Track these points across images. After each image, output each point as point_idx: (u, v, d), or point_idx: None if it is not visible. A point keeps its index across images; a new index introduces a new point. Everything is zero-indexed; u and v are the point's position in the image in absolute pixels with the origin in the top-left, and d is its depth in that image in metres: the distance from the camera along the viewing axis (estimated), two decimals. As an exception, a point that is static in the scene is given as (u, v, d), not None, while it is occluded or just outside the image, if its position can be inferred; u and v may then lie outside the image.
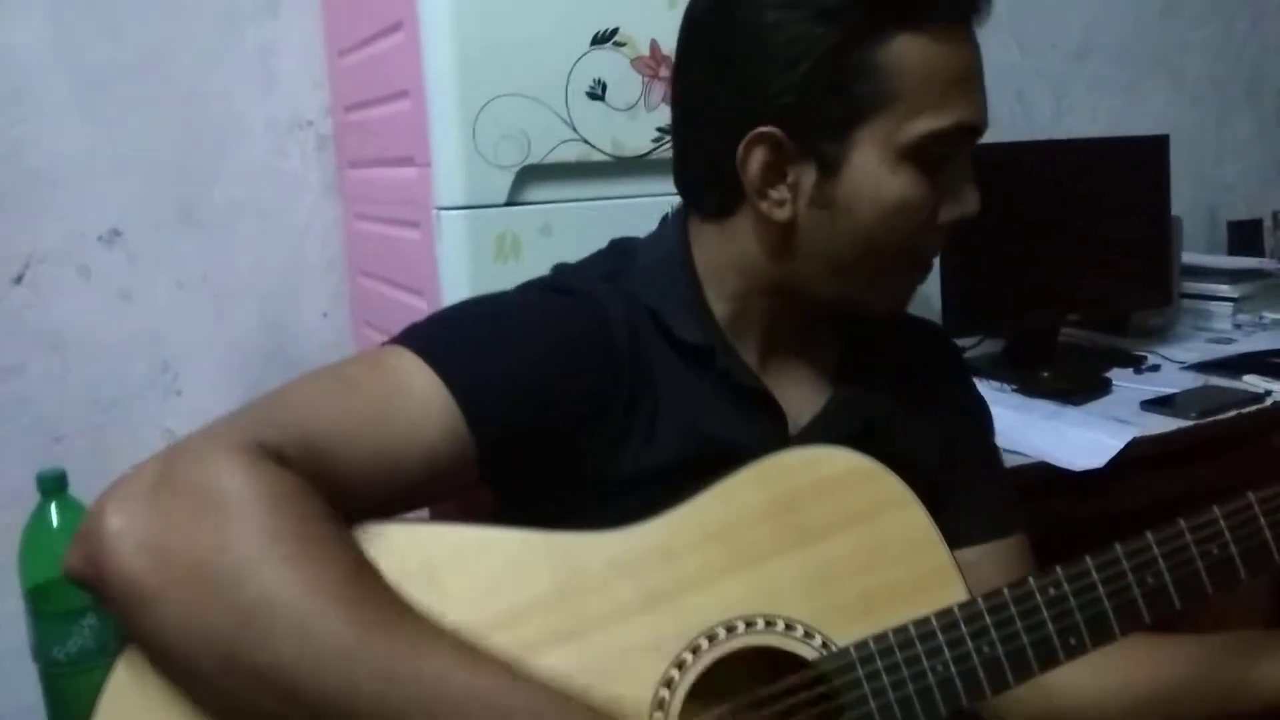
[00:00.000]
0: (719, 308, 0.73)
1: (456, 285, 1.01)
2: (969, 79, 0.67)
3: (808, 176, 0.67)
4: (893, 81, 0.64)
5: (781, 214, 0.68)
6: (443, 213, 1.00)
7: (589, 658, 0.60)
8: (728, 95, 0.68)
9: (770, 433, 0.72)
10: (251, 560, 0.53)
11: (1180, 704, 0.72)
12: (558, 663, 0.58)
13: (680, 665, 0.63)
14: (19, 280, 1.22)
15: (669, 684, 0.63)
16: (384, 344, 0.66)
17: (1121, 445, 1.21)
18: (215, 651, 0.53)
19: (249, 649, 0.52)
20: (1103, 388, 1.43)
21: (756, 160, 0.67)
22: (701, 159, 0.72)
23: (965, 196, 0.70)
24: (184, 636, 0.53)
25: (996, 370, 1.49)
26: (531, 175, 1.02)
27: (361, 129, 1.24)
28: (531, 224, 1.02)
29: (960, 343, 1.59)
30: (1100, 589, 0.65)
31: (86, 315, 1.26)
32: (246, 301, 1.35)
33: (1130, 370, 1.53)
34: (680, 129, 0.74)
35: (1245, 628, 1.38)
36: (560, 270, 0.76)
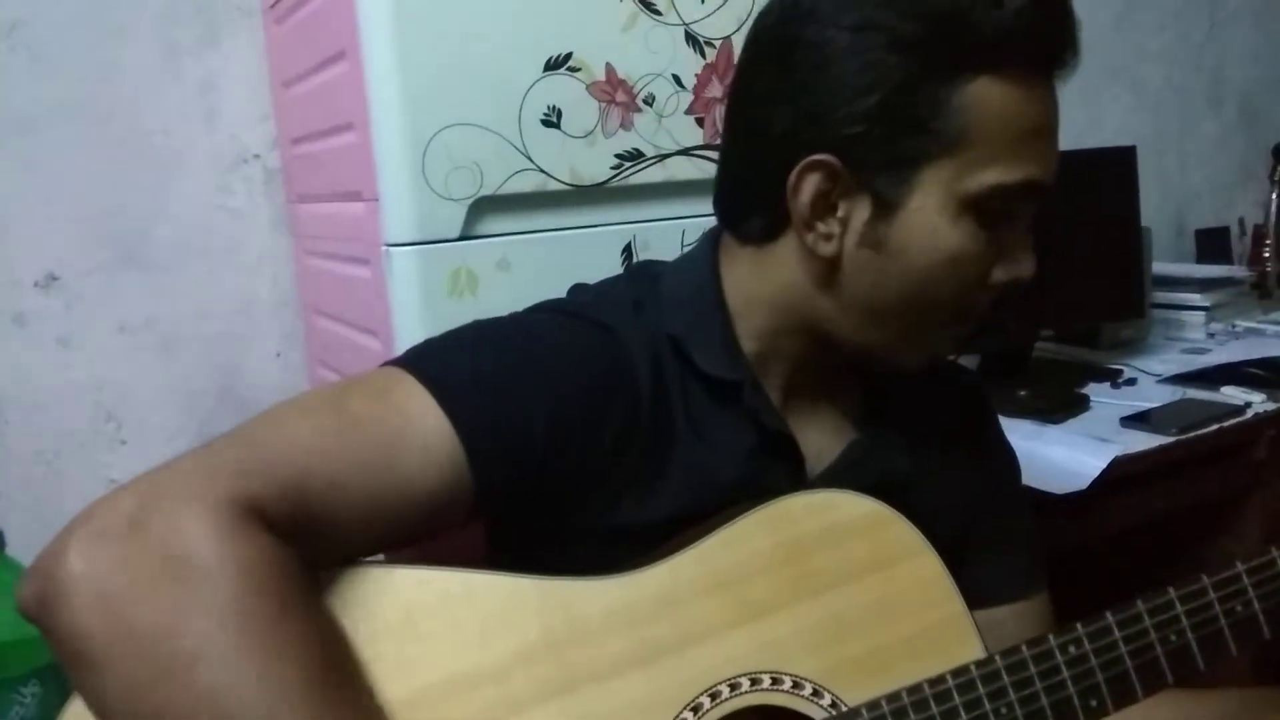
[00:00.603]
0: (748, 344, 0.69)
1: (409, 324, 0.96)
2: (1045, 134, 0.63)
3: (860, 213, 0.63)
4: (967, 125, 0.60)
5: (827, 249, 0.64)
6: (393, 249, 0.96)
7: (584, 715, 0.57)
8: (789, 117, 0.63)
9: (787, 478, 0.68)
10: (210, 647, 0.48)
11: None
12: None
13: (679, 730, 0.59)
14: (-51, 331, 1.16)
15: (662, 751, 0.58)
16: (389, 364, 0.62)
17: (1104, 465, 1.18)
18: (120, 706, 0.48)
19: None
20: (1081, 404, 1.40)
21: (809, 189, 0.63)
22: (750, 181, 0.67)
23: (1021, 259, 0.65)
24: (125, 708, 0.49)
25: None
26: (486, 207, 0.98)
27: (310, 161, 1.19)
28: (488, 258, 0.98)
29: (934, 362, 1.57)
30: (1122, 648, 0.61)
31: (23, 365, 1.20)
32: (194, 343, 1.29)
33: (1107, 384, 1.50)
34: (731, 147, 0.69)
35: (1229, 679, 1.36)
36: (580, 292, 0.71)
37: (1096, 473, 1.17)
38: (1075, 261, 1.54)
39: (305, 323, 1.33)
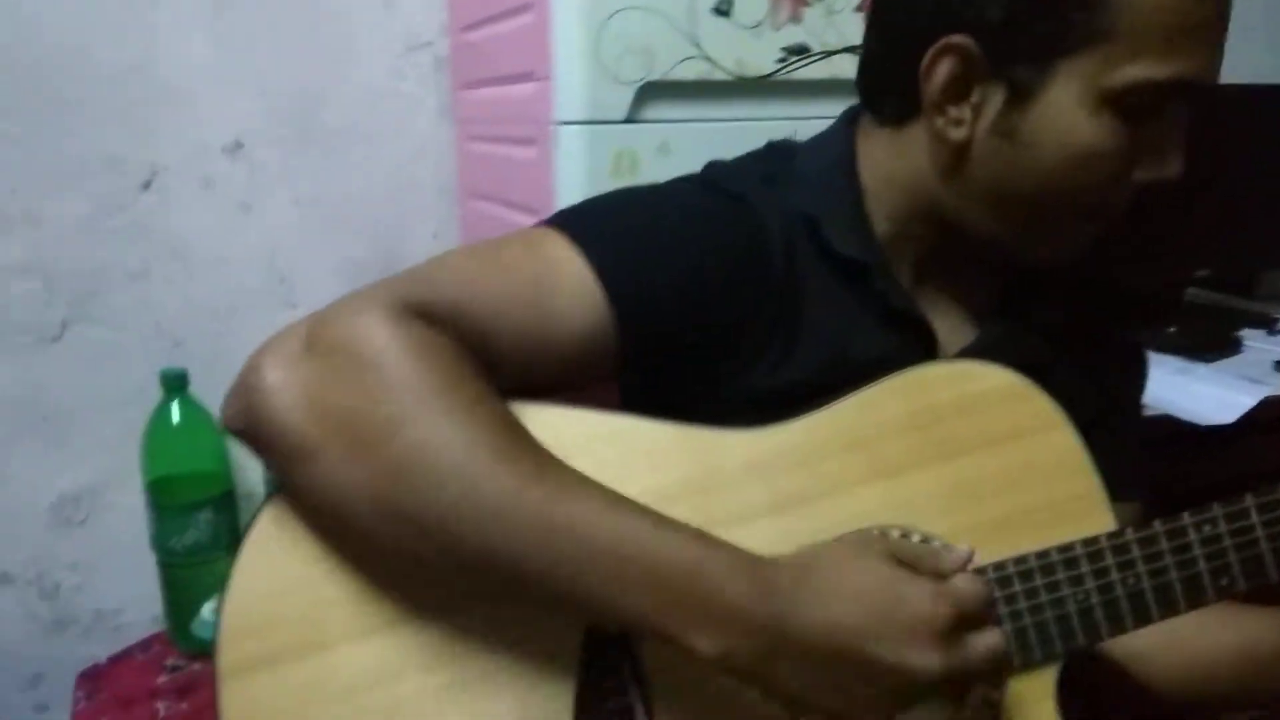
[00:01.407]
0: (880, 226, 0.69)
1: (570, 203, 1.00)
2: (1206, 29, 0.59)
3: (994, 100, 0.62)
4: (1116, 14, 0.57)
5: (957, 134, 0.63)
6: (562, 128, 0.99)
7: None
8: None
9: (919, 358, 0.68)
10: (407, 411, 0.53)
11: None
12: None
13: (808, 573, 0.62)
14: (147, 187, 1.26)
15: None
16: (536, 225, 0.65)
17: (1253, 403, 1.15)
18: (374, 501, 0.53)
19: (408, 499, 0.53)
20: (1233, 347, 1.36)
21: (942, 71, 0.62)
22: (888, 59, 0.67)
23: (1168, 158, 0.62)
24: (344, 487, 0.54)
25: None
26: (652, 92, 1.00)
27: (478, 49, 1.23)
28: (650, 142, 1.00)
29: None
30: (1260, 531, 0.61)
31: (208, 225, 1.29)
32: (358, 220, 1.36)
33: (1262, 331, 1.45)
34: (874, 23, 0.69)
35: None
36: (715, 167, 0.72)
37: (1245, 409, 1.14)
38: (1241, 200, 1.48)
39: (461, 208, 1.39)
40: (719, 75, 1.02)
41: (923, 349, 0.69)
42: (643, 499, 0.60)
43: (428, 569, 0.57)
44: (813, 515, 0.62)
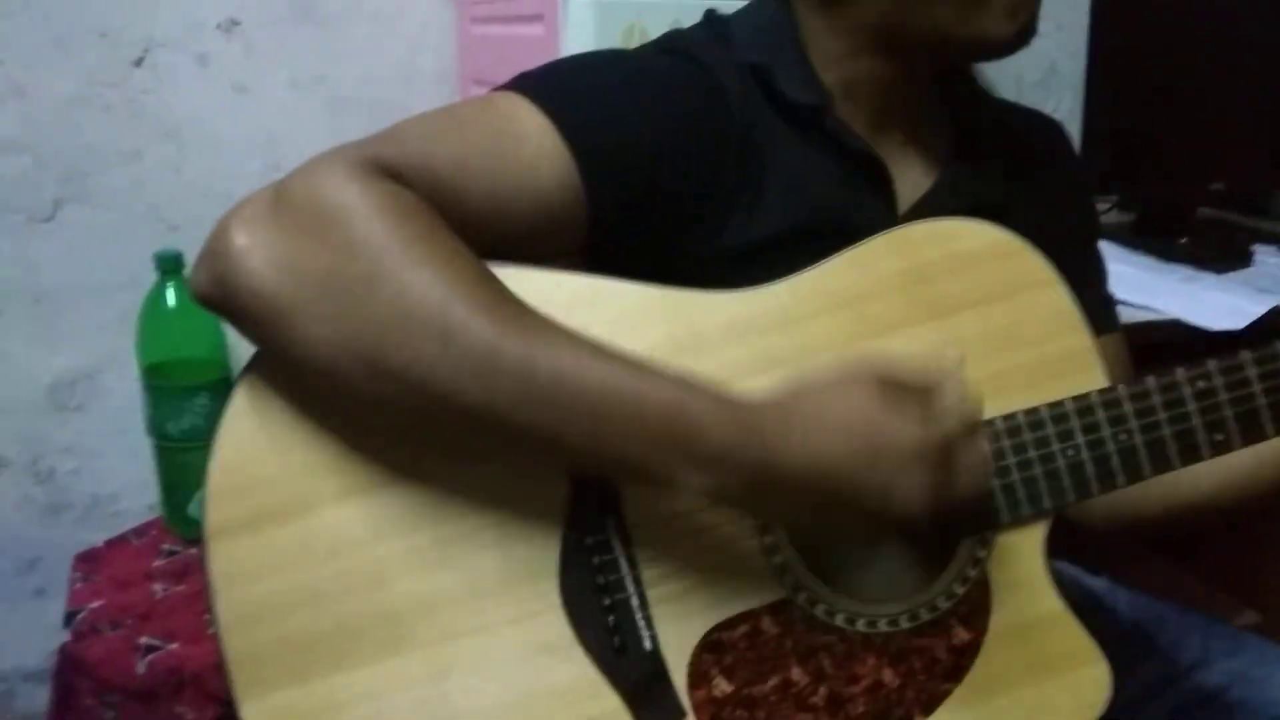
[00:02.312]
0: (826, 75, 0.69)
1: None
2: None
3: None
4: None
5: None
6: (573, 1, 0.96)
7: None
8: None
9: (879, 204, 0.69)
10: (382, 266, 0.52)
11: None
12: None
13: (799, 430, 0.61)
14: (139, 64, 1.23)
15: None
16: (495, 89, 0.64)
17: (1263, 311, 1.13)
18: (357, 357, 0.52)
19: (390, 353, 0.52)
20: (1244, 259, 1.34)
21: None
22: None
23: None
24: (324, 345, 0.53)
25: (1130, 238, 1.41)
26: (663, -36, 0.97)
27: (483, -73, 1.19)
28: (662, 18, 0.97)
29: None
30: (1256, 385, 0.60)
31: (202, 105, 1.26)
32: (358, 105, 1.33)
33: (1274, 247, 1.43)
34: None
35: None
36: (672, 35, 0.72)
37: (1253, 317, 1.13)
38: (1254, 114, 1.45)
39: (463, 93, 1.36)
40: (732, -52, 0.99)
41: (881, 193, 0.70)
42: None
43: (412, 427, 0.56)
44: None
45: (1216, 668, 0.81)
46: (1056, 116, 1.66)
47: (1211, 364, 0.61)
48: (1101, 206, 1.51)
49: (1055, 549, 0.88)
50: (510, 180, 0.60)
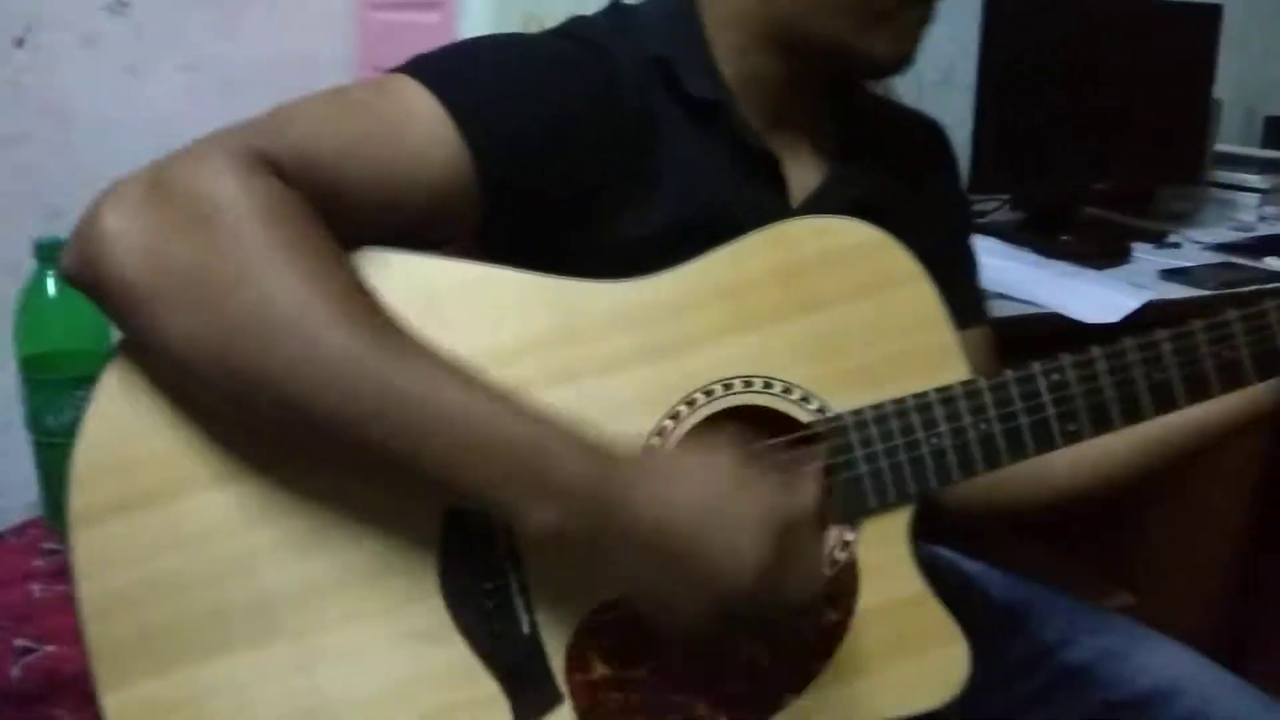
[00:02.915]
0: (726, 68, 0.71)
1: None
2: None
3: None
4: None
5: None
6: (465, -12, 0.96)
7: (583, 402, 0.59)
8: None
9: (772, 201, 0.71)
10: (250, 267, 0.52)
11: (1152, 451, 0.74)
12: (552, 404, 0.57)
13: (674, 417, 0.62)
14: (20, 44, 1.18)
15: (661, 433, 0.62)
16: (387, 71, 0.63)
17: (1137, 305, 1.19)
18: (211, 353, 0.52)
19: (245, 352, 0.51)
20: (1123, 256, 1.41)
21: None
22: None
23: None
24: (180, 338, 0.52)
25: (1017, 235, 1.46)
26: (561, -43, 0.98)
27: (383, -88, 1.18)
28: (561, 8, 0.97)
29: (985, 203, 1.56)
30: (1105, 379, 0.64)
31: (91, 87, 1.22)
32: (255, 91, 1.29)
33: (1152, 245, 1.50)
34: None
35: (1228, 506, 1.40)
36: (572, 21, 0.73)
37: (1129, 310, 1.18)
38: (1138, 116, 1.52)
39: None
40: (629, -58, 0.99)
41: (774, 190, 0.72)
42: (513, 346, 0.61)
43: (267, 427, 0.56)
44: (680, 364, 0.62)
45: (1082, 645, 0.85)
46: (953, 117, 1.72)
47: (1065, 358, 0.64)
48: (992, 205, 1.57)
49: (934, 534, 0.92)
50: (399, 167, 0.59)
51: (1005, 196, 1.55)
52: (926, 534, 0.92)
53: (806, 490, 0.55)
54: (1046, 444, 0.64)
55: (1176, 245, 1.52)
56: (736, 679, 0.62)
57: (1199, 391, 0.65)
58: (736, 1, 0.70)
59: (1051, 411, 0.63)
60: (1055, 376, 0.64)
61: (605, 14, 0.73)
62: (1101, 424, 0.64)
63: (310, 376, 0.51)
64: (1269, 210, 1.76)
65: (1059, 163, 1.47)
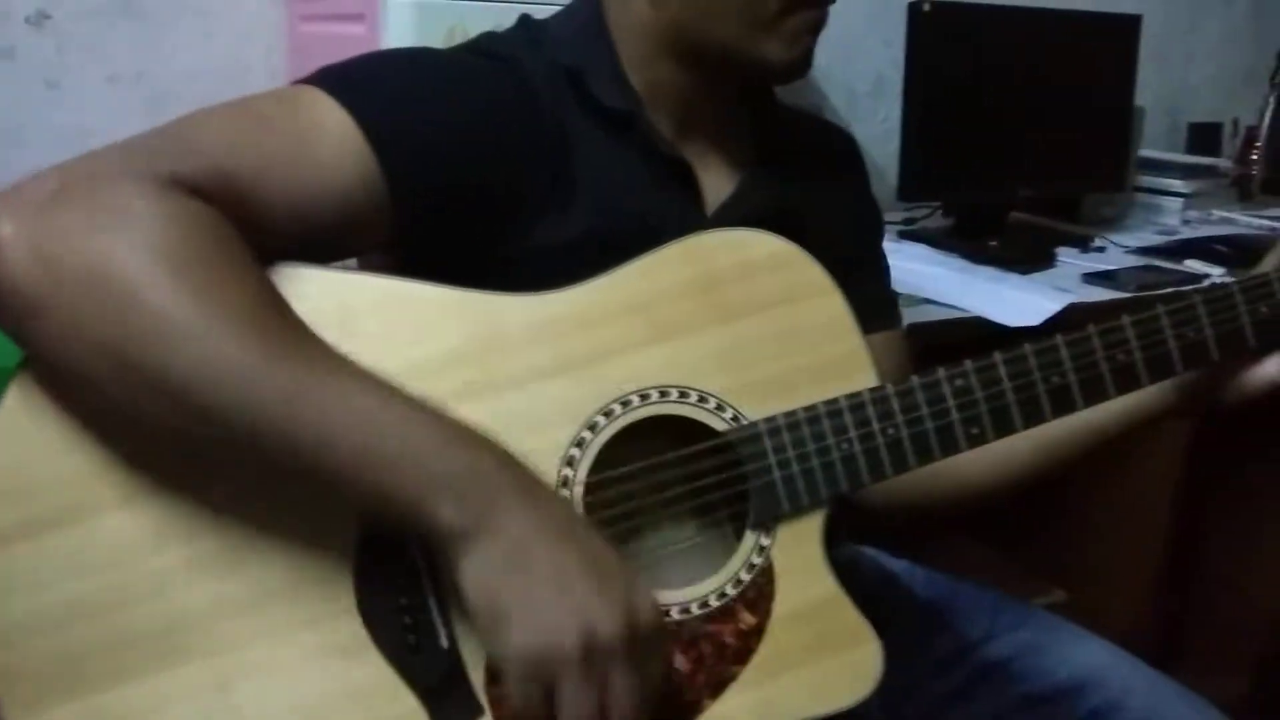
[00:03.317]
0: (635, 77, 0.72)
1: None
2: None
3: None
4: None
5: None
6: (391, 1, 0.97)
7: (501, 415, 0.60)
8: None
9: (686, 209, 0.72)
10: (148, 275, 0.51)
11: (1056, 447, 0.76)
12: (469, 417, 0.57)
13: (592, 428, 0.63)
14: (-63, 56, 1.16)
15: (580, 444, 0.63)
16: (295, 83, 0.64)
17: (1058, 308, 1.22)
18: (106, 361, 0.52)
19: (141, 360, 0.51)
20: (1048, 260, 1.44)
21: None
22: None
23: None
24: (74, 345, 0.52)
25: (945, 241, 1.49)
26: (485, -32, 0.99)
27: (310, -76, 1.18)
28: (484, 20, 0.98)
29: (914, 210, 1.60)
30: (1006, 384, 0.66)
31: (9, 101, 1.20)
32: (183, 104, 1.28)
33: (1077, 250, 1.54)
34: None
35: (1155, 502, 1.44)
36: (484, 36, 0.74)
37: (1050, 314, 1.21)
38: (1062, 125, 1.56)
39: (295, 95, 1.34)
40: (554, -45, 1.00)
41: (688, 198, 0.73)
42: (429, 361, 0.61)
43: (172, 438, 0.55)
44: (597, 375, 0.63)
45: (1003, 640, 0.87)
46: (884, 127, 1.74)
47: (968, 364, 0.66)
48: (923, 212, 1.60)
49: (859, 534, 0.94)
50: (312, 181, 0.60)
51: (937, 204, 1.58)
52: (853, 534, 0.94)
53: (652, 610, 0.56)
54: (951, 447, 0.66)
55: (1101, 249, 1.56)
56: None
57: (1095, 394, 0.67)
58: (638, 12, 0.71)
59: (956, 416, 0.65)
60: (959, 382, 0.65)
61: (516, 28, 0.74)
62: (1004, 427, 0.66)
63: (212, 386, 0.51)
64: (1192, 214, 1.82)
65: (985, 170, 1.51)
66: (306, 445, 0.53)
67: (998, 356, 0.66)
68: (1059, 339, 0.67)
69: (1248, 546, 1.71)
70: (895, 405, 0.65)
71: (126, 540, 0.56)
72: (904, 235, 1.53)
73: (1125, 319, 0.67)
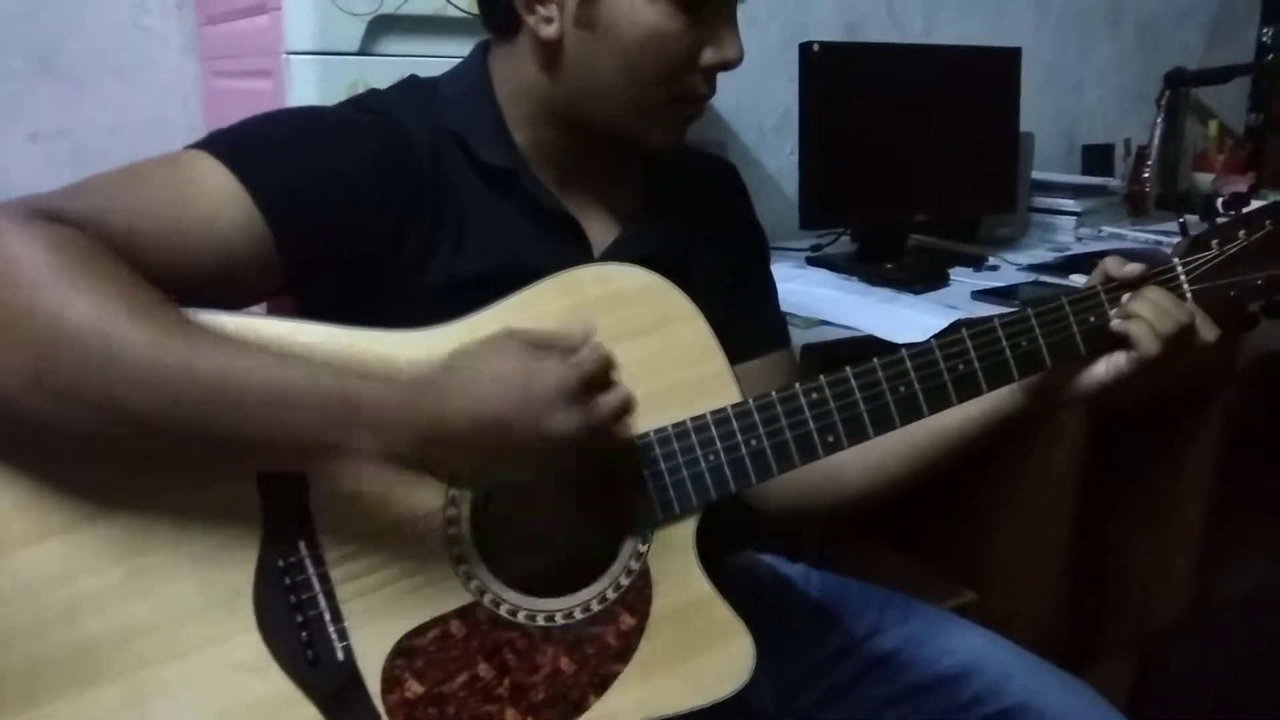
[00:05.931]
0: (519, 136, 0.77)
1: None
2: None
3: None
4: None
5: (549, 31, 0.72)
6: (293, 58, 1.02)
7: None
8: None
9: (574, 256, 0.76)
10: (44, 291, 0.55)
11: (925, 449, 0.82)
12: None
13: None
14: None
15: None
16: (187, 147, 0.68)
17: (944, 324, 1.30)
18: (19, 379, 0.56)
19: (53, 372, 0.55)
20: (941, 280, 1.52)
21: None
22: None
23: (725, 43, 0.73)
24: None
25: (846, 265, 1.57)
26: (386, 26, 1.04)
27: (222, -16, 1.23)
28: (385, 76, 1.02)
29: (817, 238, 1.68)
30: (858, 394, 0.72)
31: (-71, 160, 1.24)
32: (105, 159, 1.32)
33: (971, 269, 1.63)
34: None
35: (1058, 504, 1.52)
36: (365, 94, 0.79)
37: (936, 330, 1.28)
38: (952, 154, 1.65)
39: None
40: (453, 12, 1.07)
41: (576, 246, 0.78)
42: None
43: (92, 442, 0.60)
44: None
45: (890, 634, 0.93)
46: (792, 159, 1.81)
47: (822, 378, 0.72)
48: (829, 238, 1.68)
49: (753, 541, 1.00)
50: (189, 230, 0.64)
51: (842, 230, 1.66)
52: (752, 542, 1.00)
53: (584, 355, 0.63)
54: (810, 454, 0.72)
55: (995, 268, 1.65)
56: (543, 686, 0.68)
57: (939, 402, 0.74)
58: (529, 76, 0.75)
59: (813, 425, 0.72)
60: (815, 395, 0.72)
61: (399, 87, 0.79)
62: (857, 434, 0.72)
63: (124, 376, 0.56)
64: (1084, 231, 1.92)
65: (882, 197, 1.59)
66: (220, 412, 0.57)
67: (848, 370, 0.72)
68: (904, 353, 0.73)
69: (1153, 544, 1.80)
70: (757, 419, 0.71)
71: (40, 572, 0.60)
72: (810, 261, 1.61)
73: (964, 332, 0.74)
